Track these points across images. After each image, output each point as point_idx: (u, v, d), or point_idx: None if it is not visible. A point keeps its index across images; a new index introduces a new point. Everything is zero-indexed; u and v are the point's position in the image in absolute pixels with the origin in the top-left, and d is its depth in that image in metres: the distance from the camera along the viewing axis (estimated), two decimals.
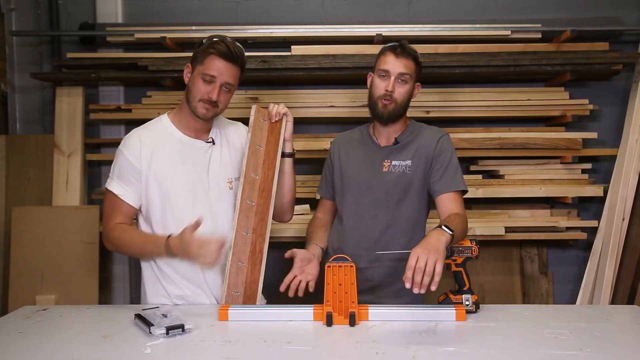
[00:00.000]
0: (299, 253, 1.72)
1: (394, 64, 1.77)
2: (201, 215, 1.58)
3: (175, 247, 1.56)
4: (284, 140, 1.79)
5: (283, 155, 1.80)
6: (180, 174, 1.68)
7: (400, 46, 1.79)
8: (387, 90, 1.76)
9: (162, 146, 1.70)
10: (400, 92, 1.78)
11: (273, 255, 2.62)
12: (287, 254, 1.71)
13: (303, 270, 1.70)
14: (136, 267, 2.96)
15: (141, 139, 1.69)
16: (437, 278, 1.38)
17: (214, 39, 1.67)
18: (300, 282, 1.67)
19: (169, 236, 1.59)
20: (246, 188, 1.69)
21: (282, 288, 1.66)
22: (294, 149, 1.83)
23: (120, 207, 1.67)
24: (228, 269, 1.63)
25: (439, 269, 1.38)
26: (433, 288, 1.38)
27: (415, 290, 1.37)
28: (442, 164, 1.80)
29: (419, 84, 1.86)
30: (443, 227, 1.52)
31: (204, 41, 1.69)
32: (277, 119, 1.78)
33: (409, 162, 1.82)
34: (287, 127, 1.80)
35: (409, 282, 1.38)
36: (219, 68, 1.64)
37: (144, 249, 1.67)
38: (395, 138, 1.84)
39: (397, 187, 1.81)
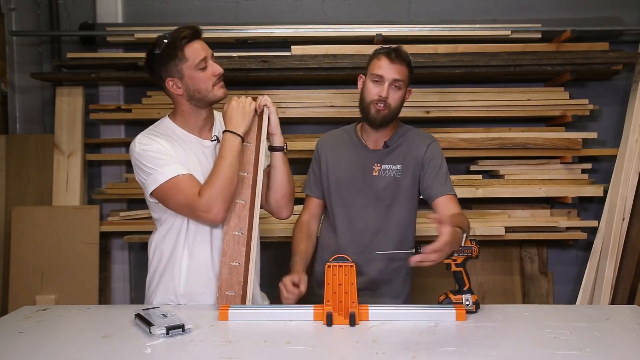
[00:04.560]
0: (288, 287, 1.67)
1: (389, 70, 1.74)
2: None
3: (228, 119, 1.66)
4: (271, 133, 1.73)
5: (272, 149, 1.75)
6: (192, 172, 1.66)
7: (394, 51, 1.76)
8: (380, 96, 1.74)
9: (174, 144, 1.67)
10: (394, 97, 1.76)
11: (272, 254, 2.63)
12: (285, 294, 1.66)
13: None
14: (136, 267, 2.96)
15: (153, 138, 1.66)
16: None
17: (166, 38, 1.63)
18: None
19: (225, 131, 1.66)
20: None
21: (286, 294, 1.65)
22: (284, 143, 1.76)
23: (188, 181, 1.60)
24: (218, 271, 1.62)
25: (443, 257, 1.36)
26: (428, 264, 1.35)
27: (413, 260, 1.33)
28: (434, 169, 1.79)
29: (410, 88, 1.84)
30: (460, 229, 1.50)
31: (156, 52, 1.64)
32: (260, 112, 1.72)
33: (399, 167, 1.81)
34: (270, 120, 1.72)
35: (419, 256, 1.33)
36: (200, 48, 1.64)
37: (230, 159, 1.60)
38: (385, 142, 1.83)
39: (387, 192, 1.81)
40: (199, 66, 1.63)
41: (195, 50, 1.63)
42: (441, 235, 1.33)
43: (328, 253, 1.78)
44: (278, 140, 1.75)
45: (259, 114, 1.72)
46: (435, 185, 1.78)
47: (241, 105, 1.67)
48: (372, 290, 1.83)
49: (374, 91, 1.76)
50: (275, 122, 1.73)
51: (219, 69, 1.66)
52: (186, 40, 1.62)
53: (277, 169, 1.76)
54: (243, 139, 1.66)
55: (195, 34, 1.65)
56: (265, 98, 1.72)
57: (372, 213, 1.82)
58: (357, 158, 1.85)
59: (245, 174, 1.68)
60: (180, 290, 1.68)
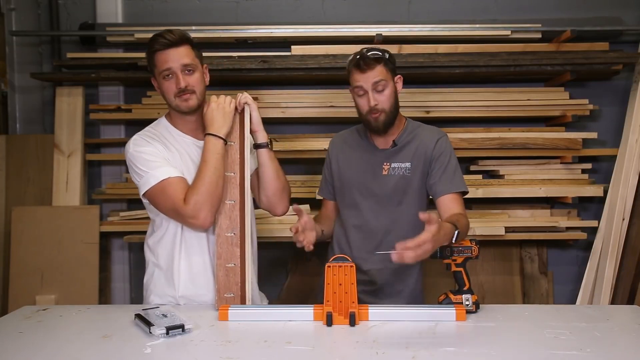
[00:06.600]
0: (304, 217, 1.69)
1: (364, 79, 1.72)
2: None
3: (209, 121, 1.64)
4: (253, 131, 1.72)
5: (256, 146, 1.74)
6: (186, 173, 1.66)
7: (362, 58, 1.72)
8: (370, 107, 1.73)
9: (169, 145, 1.68)
10: (382, 100, 1.74)
11: (271, 254, 2.63)
12: (295, 208, 1.68)
13: (304, 229, 1.68)
14: (136, 267, 2.96)
15: (148, 140, 1.67)
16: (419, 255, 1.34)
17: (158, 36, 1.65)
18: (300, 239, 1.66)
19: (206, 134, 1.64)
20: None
21: (293, 230, 1.66)
22: (268, 139, 1.74)
23: (177, 185, 1.60)
24: (214, 274, 1.63)
25: (426, 254, 1.36)
26: (407, 261, 1.34)
27: (394, 257, 1.33)
28: (441, 165, 1.78)
29: (399, 76, 1.81)
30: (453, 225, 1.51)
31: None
32: (240, 110, 1.71)
33: (408, 165, 1.80)
34: (252, 117, 1.70)
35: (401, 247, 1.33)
36: (167, 58, 1.63)
37: (214, 163, 1.60)
38: (394, 140, 1.82)
39: (397, 190, 1.81)
40: (163, 75, 1.64)
41: (161, 60, 1.63)
42: (423, 232, 1.34)
43: (340, 253, 1.78)
44: (261, 137, 1.73)
45: (239, 112, 1.71)
46: (440, 183, 1.77)
47: (221, 107, 1.66)
48: (389, 288, 1.83)
49: (362, 104, 1.76)
50: (257, 119, 1.71)
51: (180, 84, 1.63)
52: (159, 47, 1.63)
53: (264, 165, 1.75)
54: (226, 141, 1.65)
55: (172, 43, 1.62)
56: (245, 95, 1.70)
57: (382, 213, 1.82)
58: (367, 158, 1.85)
59: (232, 174, 1.67)
60: (179, 292, 1.68)
